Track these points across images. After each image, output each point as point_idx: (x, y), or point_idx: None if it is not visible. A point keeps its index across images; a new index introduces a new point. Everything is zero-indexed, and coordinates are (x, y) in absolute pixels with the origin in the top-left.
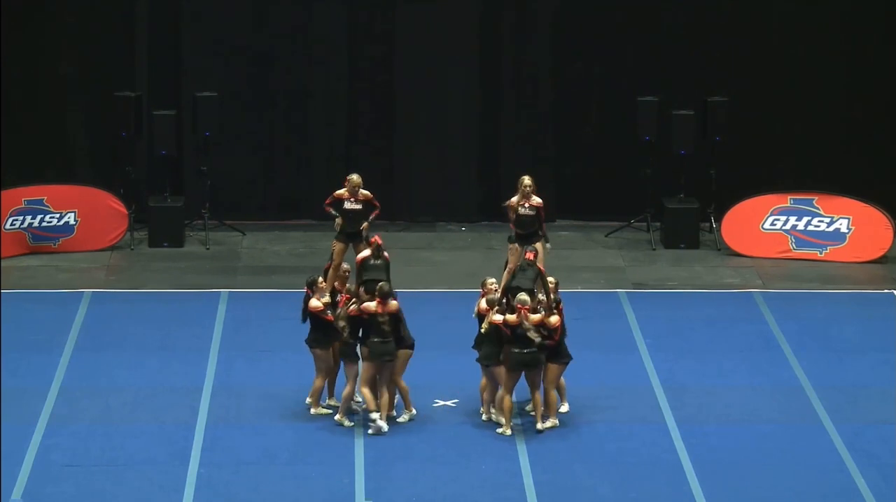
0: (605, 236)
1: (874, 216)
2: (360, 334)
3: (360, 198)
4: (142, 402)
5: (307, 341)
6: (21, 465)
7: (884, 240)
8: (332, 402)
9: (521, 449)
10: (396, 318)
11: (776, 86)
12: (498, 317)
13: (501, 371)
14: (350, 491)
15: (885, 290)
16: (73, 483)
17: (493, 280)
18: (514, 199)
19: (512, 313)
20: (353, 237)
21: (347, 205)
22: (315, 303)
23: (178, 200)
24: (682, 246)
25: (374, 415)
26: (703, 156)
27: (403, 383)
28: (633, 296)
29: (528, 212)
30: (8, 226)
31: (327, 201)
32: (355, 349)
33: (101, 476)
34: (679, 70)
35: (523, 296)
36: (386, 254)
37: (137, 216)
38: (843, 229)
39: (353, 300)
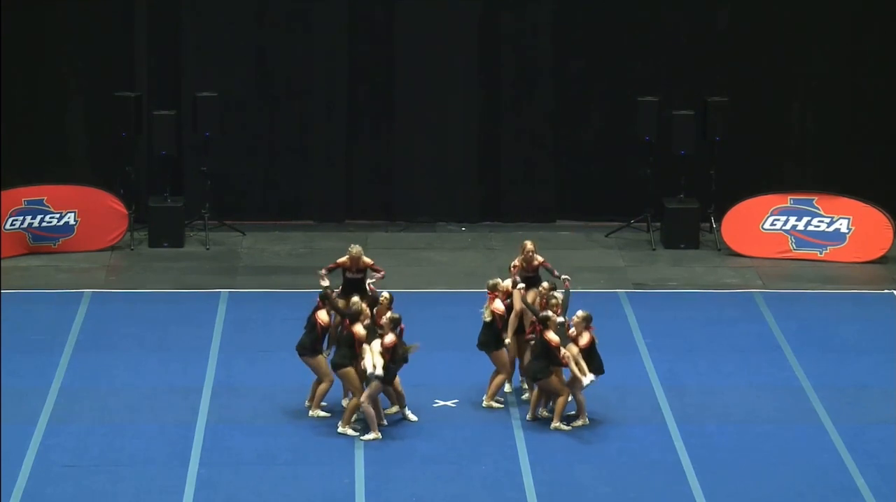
0: (606, 236)
1: (874, 216)
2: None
3: (362, 266)
4: (142, 402)
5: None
6: (21, 465)
7: (884, 240)
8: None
9: (521, 449)
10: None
11: (776, 86)
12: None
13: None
14: (350, 491)
15: (885, 290)
16: (73, 483)
17: (507, 282)
18: (517, 262)
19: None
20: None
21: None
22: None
23: (178, 200)
24: (682, 246)
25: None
26: (703, 156)
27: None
28: (633, 296)
29: (529, 274)
30: (8, 226)
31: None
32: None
33: (101, 476)
34: (679, 70)
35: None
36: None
37: (137, 216)
38: (843, 229)
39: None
